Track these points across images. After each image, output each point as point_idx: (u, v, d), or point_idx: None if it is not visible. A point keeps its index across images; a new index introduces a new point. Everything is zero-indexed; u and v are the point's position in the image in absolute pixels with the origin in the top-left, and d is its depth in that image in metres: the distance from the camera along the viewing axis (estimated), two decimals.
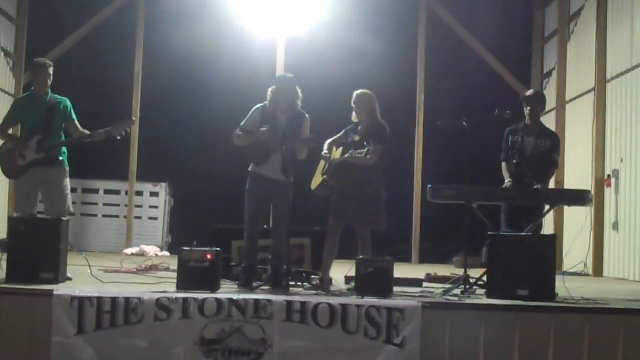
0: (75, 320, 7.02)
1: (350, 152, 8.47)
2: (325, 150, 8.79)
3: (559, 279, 8.17)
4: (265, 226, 8.71)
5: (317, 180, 8.82)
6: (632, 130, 12.89)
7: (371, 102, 8.77)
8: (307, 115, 8.64)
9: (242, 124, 8.52)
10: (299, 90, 8.62)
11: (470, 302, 7.53)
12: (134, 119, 9.06)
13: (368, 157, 8.38)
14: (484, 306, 7.43)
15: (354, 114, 8.82)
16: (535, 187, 9.02)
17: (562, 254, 15.19)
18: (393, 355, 7.05)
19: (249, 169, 8.53)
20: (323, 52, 15.96)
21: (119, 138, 9.01)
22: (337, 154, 8.71)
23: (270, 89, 8.60)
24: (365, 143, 8.49)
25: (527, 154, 9.30)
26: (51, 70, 9.08)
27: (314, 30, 15.98)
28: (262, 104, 8.59)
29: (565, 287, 8.17)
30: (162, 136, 16.63)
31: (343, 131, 8.88)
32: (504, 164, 9.40)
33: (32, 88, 9.20)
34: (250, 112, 8.56)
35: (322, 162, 8.86)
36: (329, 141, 8.87)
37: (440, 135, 13.69)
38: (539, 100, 9.51)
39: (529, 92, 9.56)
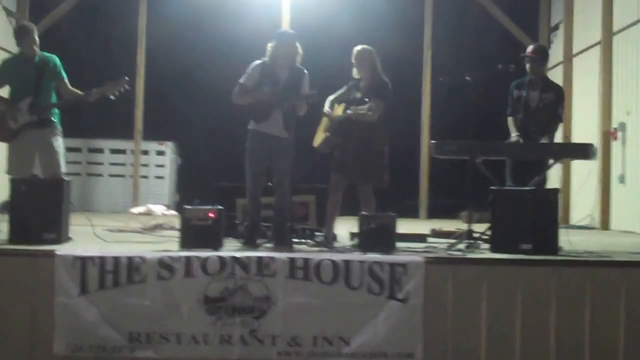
0: (77, 280, 7.02)
1: (352, 108, 8.43)
2: (326, 107, 8.76)
3: (564, 233, 8.16)
4: (269, 183, 8.67)
5: (319, 137, 8.80)
6: (638, 83, 12.80)
7: (372, 57, 8.72)
8: (306, 71, 8.58)
9: (240, 80, 8.46)
10: (299, 47, 8.55)
11: (472, 257, 7.53)
12: (126, 78, 8.93)
13: (370, 113, 8.35)
14: (486, 260, 7.42)
15: (354, 70, 8.77)
16: (541, 141, 8.97)
17: (569, 207, 15.23)
18: (396, 310, 7.07)
19: (249, 127, 8.48)
20: (328, 8, 15.86)
21: (112, 97, 8.92)
22: (339, 110, 8.69)
23: (269, 45, 8.53)
24: (366, 99, 8.45)
25: (532, 107, 9.23)
26: (36, 34, 8.95)
27: None
28: (260, 60, 8.52)
29: (569, 241, 8.15)
30: (168, 94, 16.60)
31: (344, 87, 8.84)
32: (510, 119, 9.34)
33: (19, 51, 9.11)
34: (249, 69, 8.49)
35: (324, 119, 8.84)
36: (330, 97, 8.84)
37: (445, 91, 13.66)
38: (540, 56, 9.41)
39: (529, 49, 9.42)
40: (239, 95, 8.43)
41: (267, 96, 8.27)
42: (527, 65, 9.28)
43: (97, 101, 8.89)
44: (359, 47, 8.76)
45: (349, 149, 8.51)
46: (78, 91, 8.99)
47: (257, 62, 8.51)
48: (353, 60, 8.74)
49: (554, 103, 9.25)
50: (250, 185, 8.45)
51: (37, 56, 8.93)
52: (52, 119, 8.92)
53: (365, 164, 8.48)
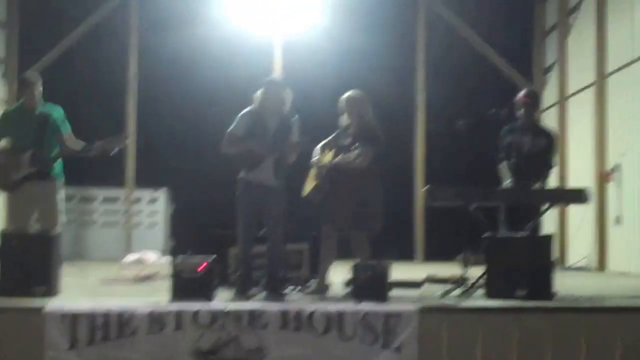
0: (67, 335, 6.94)
1: (341, 155, 8.39)
2: (316, 155, 8.71)
3: (560, 275, 8.11)
4: (261, 232, 8.61)
5: (308, 185, 8.74)
6: (633, 124, 12.80)
7: (361, 103, 8.68)
8: (296, 117, 8.54)
9: (230, 129, 8.40)
10: (289, 93, 8.52)
11: (467, 305, 7.46)
12: (126, 135, 8.94)
13: (359, 159, 8.30)
14: (481, 309, 7.36)
15: (344, 115, 8.74)
16: (534, 186, 8.93)
17: (566, 248, 15.17)
18: None
19: (239, 176, 8.42)
20: (320, 54, 15.90)
21: (114, 153, 8.91)
22: (328, 157, 8.62)
23: (258, 92, 8.51)
24: (355, 145, 8.40)
25: (525, 153, 9.17)
26: (40, 85, 8.91)
27: (311, 32, 15.90)
28: (249, 108, 8.48)
29: (565, 285, 8.10)
30: (160, 141, 16.56)
31: (334, 134, 8.80)
32: (502, 164, 9.29)
33: (20, 102, 9.05)
34: (238, 117, 8.43)
35: (313, 168, 8.79)
36: (319, 145, 8.79)
37: (438, 136, 13.66)
38: (531, 101, 9.37)
39: (520, 94, 9.39)
40: (228, 145, 8.38)
41: (257, 147, 8.22)
42: (520, 111, 9.24)
43: (96, 156, 8.84)
44: (348, 93, 8.73)
45: (339, 197, 8.45)
46: (81, 142, 8.91)
47: (246, 110, 8.47)
48: (342, 106, 8.71)
49: (546, 148, 9.21)
50: (241, 235, 8.38)
51: (39, 108, 8.87)
52: (54, 171, 8.84)
53: (355, 212, 8.41)
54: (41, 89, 8.89)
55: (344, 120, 8.75)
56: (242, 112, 8.45)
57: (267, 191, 8.26)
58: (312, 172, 8.77)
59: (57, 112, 8.93)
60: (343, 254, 8.78)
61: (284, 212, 8.34)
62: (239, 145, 8.31)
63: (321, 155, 8.70)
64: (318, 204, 8.64)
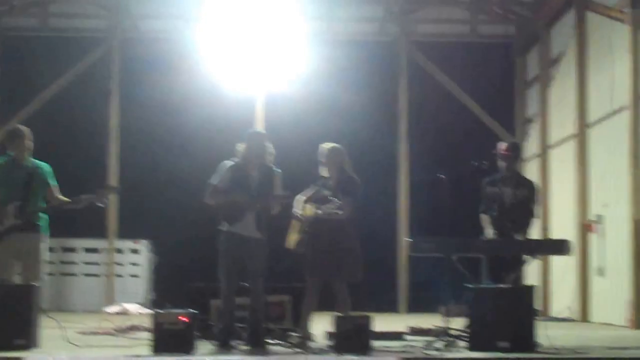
0: None
1: (322, 208, 8.41)
2: (296, 208, 8.72)
3: (543, 326, 8.09)
4: (244, 284, 8.57)
5: (292, 238, 8.74)
6: (615, 175, 12.86)
7: (340, 155, 8.73)
8: (278, 170, 8.56)
9: (212, 181, 8.42)
10: (270, 146, 8.55)
11: (450, 357, 7.42)
12: (117, 186, 8.98)
13: (340, 211, 8.32)
14: None
15: (323, 168, 8.76)
16: (516, 238, 8.94)
17: (549, 299, 15.17)
18: None
19: (222, 228, 8.42)
20: (302, 107, 15.95)
21: (102, 205, 8.92)
22: (308, 210, 8.63)
23: (240, 145, 8.53)
24: (335, 197, 8.43)
25: (507, 204, 9.20)
26: (29, 139, 8.93)
27: (293, 85, 15.95)
28: (231, 160, 8.51)
29: (548, 336, 8.07)
30: (141, 191, 16.48)
31: (312, 186, 8.82)
32: (483, 216, 9.32)
33: (10, 154, 9.03)
34: (220, 169, 8.45)
35: (294, 221, 8.80)
36: (299, 197, 8.80)
37: (420, 188, 13.70)
38: (512, 154, 9.42)
39: (502, 147, 9.43)
40: (211, 197, 8.39)
41: (240, 197, 8.22)
42: (501, 163, 9.28)
43: (84, 208, 8.82)
44: (327, 146, 8.78)
45: (320, 248, 8.47)
46: (65, 199, 8.91)
47: (228, 162, 8.48)
48: (321, 159, 8.74)
49: (528, 199, 9.25)
50: (223, 287, 8.35)
51: (27, 161, 8.86)
52: (39, 224, 8.81)
53: (337, 261, 8.43)
54: (31, 142, 8.90)
55: (323, 172, 8.77)
56: (224, 163, 8.47)
57: (249, 243, 8.25)
58: (295, 225, 8.78)
59: (45, 167, 8.95)
60: (325, 306, 8.76)
61: (265, 263, 8.32)
62: (222, 197, 8.31)
63: (303, 208, 8.71)
64: (302, 256, 8.64)
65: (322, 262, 8.46)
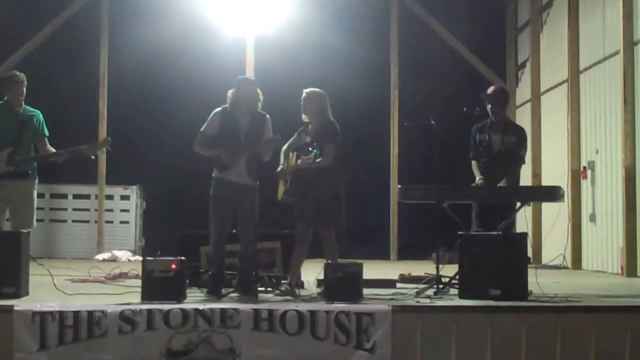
0: (37, 336, 6.85)
1: (302, 159, 8.32)
2: (282, 160, 8.63)
3: (535, 274, 8.08)
4: (234, 231, 8.54)
5: (280, 189, 8.69)
6: (606, 121, 12.82)
7: (320, 100, 8.60)
8: (267, 115, 8.50)
9: (202, 129, 8.38)
10: (260, 92, 8.48)
11: (440, 304, 7.41)
12: (109, 138, 9.08)
13: (319, 159, 8.24)
14: (454, 308, 7.30)
15: (302, 113, 8.68)
16: (503, 183, 8.90)
17: (541, 246, 15.18)
18: None
19: (213, 175, 8.38)
20: (293, 51, 15.85)
21: (93, 157, 8.94)
22: (292, 160, 8.57)
23: (230, 92, 8.44)
24: (315, 143, 8.32)
25: (495, 151, 9.18)
26: (25, 86, 8.93)
27: (283, 29, 15.85)
28: (220, 108, 8.45)
29: (539, 283, 8.05)
30: (131, 137, 16.37)
31: (295, 133, 8.74)
32: (473, 162, 9.29)
33: (5, 99, 9.03)
34: (210, 117, 8.42)
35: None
36: (284, 148, 8.70)
37: (411, 134, 13.62)
38: (499, 97, 9.37)
39: (489, 90, 9.40)
40: (200, 145, 8.37)
41: (228, 149, 8.17)
42: (488, 107, 9.23)
43: (67, 159, 8.85)
44: (307, 90, 8.67)
45: (306, 197, 8.42)
46: (53, 150, 8.93)
47: (218, 109, 8.43)
48: (301, 103, 8.66)
49: (517, 145, 9.21)
50: (214, 234, 8.33)
51: (22, 108, 8.86)
52: (29, 171, 8.83)
53: (322, 208, 8.36)
54: (25, 89, 8.89)
55: (304, 117, 8.69)
56: (214, 111, 8.41)
57: (241, 189, 8.22)
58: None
59: (37, 116, 8.96)
60: (316, 253, 8.74)
61: (257, 210, 8.28)
62: (211, 147, 8.27)
63: (286, 159, 8.63)
64: (290, 206, 8.60)
65: (306, 210, 8.41)
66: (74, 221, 17.10)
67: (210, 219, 8.36)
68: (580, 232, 13.62)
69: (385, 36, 17.24)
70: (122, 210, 17.17)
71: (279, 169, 8.64)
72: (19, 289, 7.70)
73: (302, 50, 15.93)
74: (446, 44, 17.06)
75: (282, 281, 8.84)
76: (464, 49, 17.06)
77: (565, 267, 13.69)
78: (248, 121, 8.35)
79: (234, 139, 8.25)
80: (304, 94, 8.65)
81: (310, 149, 8.15)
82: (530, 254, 11.68)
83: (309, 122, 8.66)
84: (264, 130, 8.38)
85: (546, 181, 14.94)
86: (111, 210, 17.07)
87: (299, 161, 8.37)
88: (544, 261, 14.77)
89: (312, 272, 8.99)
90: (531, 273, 8.02)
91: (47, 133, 9.10)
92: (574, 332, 7.04)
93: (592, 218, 13.24)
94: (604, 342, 7.01)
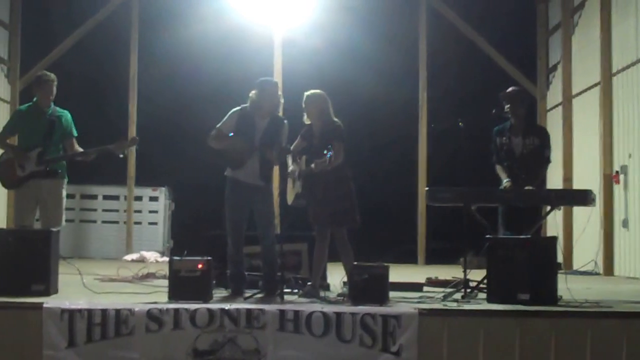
0: (65, 333, 6.94)
1: (315, 162, 8.25)
2: (290, 166, 8.61)
3: (565, 280, 8.00)
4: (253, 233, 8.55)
5: (290, 195, 8.66)
6: (639, 125, 12.67)
7: (320, 102, 8.58)
8: (285, 121, 8.53)
9: (218, 125, 8.40)
10: (281, 95, 8.49)
11: (468, 308, 7.34)
12: (137, 137, 9.20)
13: (333, 159, 8.20)
14: (482, 312, 7.25)
15: (304, 115, 8.66)
16: (529, 187, 8.78)
17: (572, 252, 15.01)
18: None
19: (226, 173, 8.40)
20: (320, 53, 15.80)
21: (121, 156, 9.02)
22: (303, 162, 8.54)
23: (252, 93, 8.45)
24: (329, 146, 8.27)
25: (517, 154, 9.02)
26: (55, 85, 9.06)
27: (311, 31, 15.84)
28: (239, 107, 8.48)
29: (569, 289, 7.96)
30: (160, 139, 16.44)
31: (299, 136, 8.71)
32: (497, 166, 9.16)
33: (35, 99, 9.13)
34: (228, 115, 8.47)
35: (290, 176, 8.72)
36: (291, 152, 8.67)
37: (440, 136, 13.57)
38: (518, 98, 9.19)
39: (508, 90, 9.26)
40: (213, 140, 8.42)
41: (239, 143, 8.20)
42: (506, 107, 9.09)
43: (99, 157, 8.94)
44: (308, 92, 8.64)
45: (316, 198, 8.42)
46: (80, 149, 9.02)
47: (236, 108, 8.47)
48: (303, 105, 8.64)
49: (539, 147, 9.06)
50: (230, 234, 8.37)
51: (51, 108, 8.96)
52: (59, 170, 8.98)
53: (331, 209, 8.34)
54: (55, 89, 9.00)
55: (305, 119, 8.68)
56: (232, 110, 8.46)
57: (254, 191, 8.28)
58: (291, 182, 8.70)
59: (66, 116, 9.07)
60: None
61: (273, 211, 8.36)
62: (224, 141, 8.27)
63: (294, 162, 8.60)
64: (305, 208, 8.57)
65: (321, 212, 8.40)
66: (103, 222, 17.19)
67: (226, 219, 8.40)
68: (612, 238, 13.43)
69: (413, 38, 17.14)
70: (150, 212, 17.24)
71: (289, 169, 8.61)
72: (49, 287, 7.79)
73: (329, 53, 15.90)
74: (476, 46, 16.95)
75: (308, 283, 8.83)
76: (494, 52, 16.94)
77: (597, 274, 13.49)
78: (266, 124, 8.38)
79: (248, 140, 8.27)
80: (305, 97, 8.63)
81: (325, 152, 8.08)
82: (560, 259, 11.55)
83: (310, 123, 8.65)
84: (280, 135, 8.39)
85: (578, 186, 14.73)
86: (140, 212, 17.14)
87: (312, 165, 8.32)
88: (574, 267, 14.60)
89: (338, 274, 8.96)
90: (561, 279, 7.95)
91: (75, 133, 9.19)
92: (604, 338, 6.97)
93: (625, 224, 13.07)
94: (634, 348, 6.93)
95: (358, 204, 8.48)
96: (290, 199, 8.60)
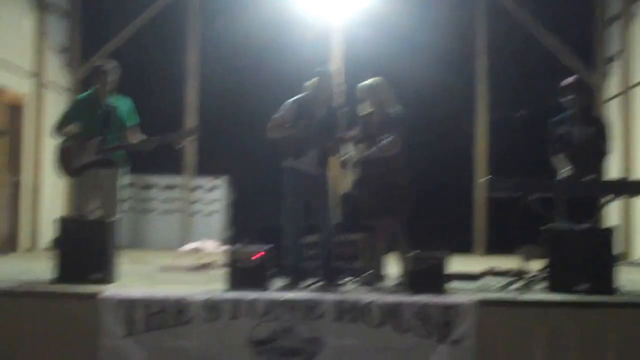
0: (123, 322, 7.02)
1: (372, 149, 8.24)
2: (346, 155, 8.60)
3: (625, 271, 7.92)
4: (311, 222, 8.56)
5: (347, 182, 8.66)
6: None
7: (380, 91, 8.57)
8: (342, 110, 8.53)
9: (275, 115, 8.41)
10: (342, 84, 8.50)
11: (527, 299, 7.31)
12: (197, 127, 9.19)
13: (387, 148, 8.17)
14: (541, 302, 7.21)
15: (364, 104, 8.64)
16: (587, 178, 8.68)
17: (632, 243, 14.83)
18: (447, 354, 6.90)
19: (284, 164, 8.41)
20: (378, 45, 15.71)
21: (179, 147, 9.03)
22: (361, 151, 8.53)
23: (309, 82, 8.46)
24: (381, 134, 8.24)
25: (575, 144, 8.93)
26: (114, 74, 9.04)
27: (369, 21, 15.74)
28: (297, 97, 8.48)
29: (629, 280, 7.89)
30: (221, 128, 16.45)
31: (358, 126, 8.68)
32: (554, 157, 9.07)
33: (93, 88, 9.14)
34: (285, 104, 8.48)
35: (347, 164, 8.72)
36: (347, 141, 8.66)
37: (500, 126, 13.43)
38: (579, 87, 9.10)
39: (568, 81, 9.15)
40: (272, 130, 8.43)
41: (301, 131, 8.20)
42: (568, 97, 8.99)
43: (159, 146, 8.95)
44: (366, 82, 8.64)
45: (369, 188, 8.43)
46: (142, 137, 9.03)
47: (295, 97, 8.46)
48: (362, 95, 8.60)
49: (596, 137, 8.95)
50: (288, 223, 8.38)
51: (111, 97, 8.98)
52: (117, 160, 8.96)
53: (385, 199, 8.34)
54: (115, 77, 9.00)
55: (364, 108, 8.64)
56: (290, 100, 8.44)
57: (311, 180, 8.29)
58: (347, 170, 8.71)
59: (125, 104, 9.06)
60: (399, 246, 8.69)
61: (330, 201, 8.35)
62: (283, 132, 8.28)
63: (351, 152, 8.59)
64: (359, 197, 8.56)
65: (373, 202, 8.39)
66: (162, 211, 17.27)
67: (283, 209, 8.41)
68: None
69: (472, 27, 17.01)
70: (210, 201, 17.30)
71: (344, 157, 8.60)
72: (106, 276, 7.89)
73: (386, 43, 15.81)
74: (534, 36, 16.75)
75: (366, 272, 8.82)
76: (553, 41, 16.73)
77: None
78: (323, 113, 8.38)
79: (307, 129, 8.27)
80: (366, 85, 8.60)
81: (383, 138, 8.06)
82: (620, 250, 11.41)
83: (371, 112, 8.61)
84: (336, 125, 8.39)
85: (638, 176, 14.57)
86: (199, 201, 17.21)
87: (367, 153, 8.31)
88: (635, 258, 14.42)
89: (395, 264, 8.95)
90: (620, 270, 7.86)
91: (137, 120, 9.18)
92: None
93: None
94: None
95: (415, 194, 8.46)
96: (345, 188, 8.61)
